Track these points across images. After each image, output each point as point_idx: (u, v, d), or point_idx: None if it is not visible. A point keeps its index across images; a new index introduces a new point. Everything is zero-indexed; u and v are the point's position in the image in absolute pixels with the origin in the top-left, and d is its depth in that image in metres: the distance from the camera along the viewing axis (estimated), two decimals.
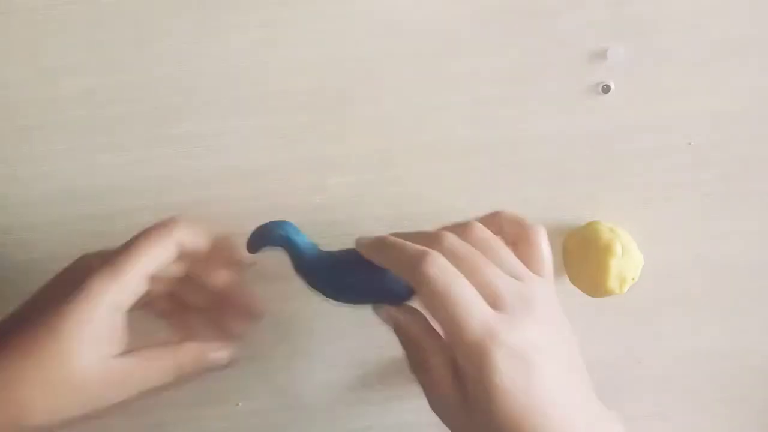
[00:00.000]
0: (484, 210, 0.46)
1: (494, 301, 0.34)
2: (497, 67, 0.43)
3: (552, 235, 0.47)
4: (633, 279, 0.45)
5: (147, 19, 0.42)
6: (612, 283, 0.44)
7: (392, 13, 0.42)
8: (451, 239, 0.36)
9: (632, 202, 0.46)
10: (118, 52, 0.43)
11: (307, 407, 0.53)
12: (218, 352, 0.38)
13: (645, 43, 0.43)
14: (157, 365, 0.36)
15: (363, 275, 0.39)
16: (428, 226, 0.46)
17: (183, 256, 0.39)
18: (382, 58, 0.43)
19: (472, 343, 0.32)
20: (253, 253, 0.41)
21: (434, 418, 0.53)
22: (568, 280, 0.47)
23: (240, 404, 0.53)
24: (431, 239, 0.36)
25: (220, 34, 0.42)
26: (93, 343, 0.33)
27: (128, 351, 0.35)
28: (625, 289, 0.45)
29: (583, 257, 0.45)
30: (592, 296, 0.46)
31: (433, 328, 0.36)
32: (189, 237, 0.38)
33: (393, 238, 0.37)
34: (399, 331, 0.38)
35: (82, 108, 0.44)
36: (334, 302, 0.40)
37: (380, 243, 0.37)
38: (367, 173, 0.45)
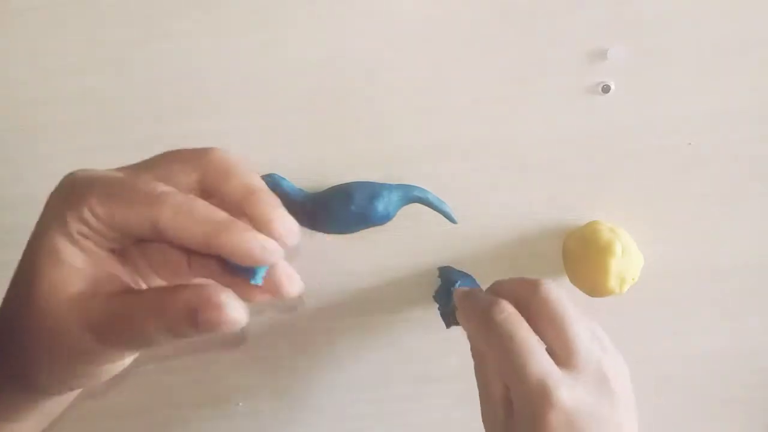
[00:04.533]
0: (484, 210, 0.46)
1: (567, 359, 0.35)
2: (497, 67, 0.43)
3: (552, 235, 0.47)
4: (633, 279, 0.45)
5: (147, 19, 0.42)
6: (612, 283, 0.44)
7: (392, 14, 0.42)
8: (547, 288, 0.37)
9: (632, 202, 0.46)
10: (118, 52, 0.43)
11: (307, 407, 0.53)
12: (225, 308, 0.27)
13: (645, 43, 0.43)
14: (145, 313, 0.27)
15: (338, 208, 0.43)
16: (428, 226, 0.46)
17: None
18: (383, 59, 0.43)
19: (528, 390, 0.33)
20: None
21: (435, 419, 0.53)
22: (568, 280, 0.47)
23: (240, 404, 0.53)
24: (529, 287, 0.37)
25: (220, 34, 0.42)
26: (70, 272, 0.28)
27: (121, 292, 0.28)
28: (625, 289, 0.45)
29: (583, 257, 0.45)
30: (592, 296, 0.46)
31: None
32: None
33: (474, 292, 0.41)
34: (472, 339, 0.40)
35: (82, 108, 0.44)
36: (327, 234, 0.45)
37: (465, 294, 0.41)
38: (367, 173, 0.45)
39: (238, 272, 0.29)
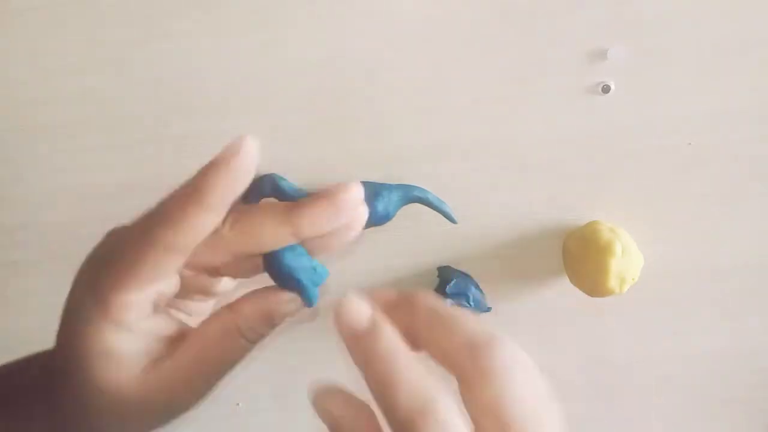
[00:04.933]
0: (484, 210, 0.46)
1: None
2: (497, 67, 0.43)
3: (552, 235, 0.47)
4: (633, 279, 0.45)
5: (147, 19, 0.42)
6: (612, 283, 0.44)
7: (393, 14, 0.42)
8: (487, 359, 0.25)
9: (632, 202, 0.46)
10: (118, 52, 0.43)
11: (307, 407, 0.53)
12: (294, 302, 0.29)
13: (645, 43, 0.43)
14: (220, 346, 0.28)
15: None
16: (428, 226, 0.46)
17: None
18: (383, 59, 0.43)
19: None
20: None
21: None
22: (568, 280, 0.47)
23: (240, 404, 0.53)
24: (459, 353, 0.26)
25: (220, 34, 0.42)
26: (126, 358, 0.27)
27: (178, 342, 0.28)
28: (625, 289, 0.45)
29: (583, 257, 0.45)
30: (592, 296, 0.46)
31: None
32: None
33: (390, 345, 0.27)
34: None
35: (82, 108, 0.44)
36: None
37: (372, 342, 0.27)
38: (367, 173, 0.45)
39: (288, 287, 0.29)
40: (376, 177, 0.45)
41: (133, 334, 0.27)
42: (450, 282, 0.45)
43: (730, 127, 0.45)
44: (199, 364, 0.28)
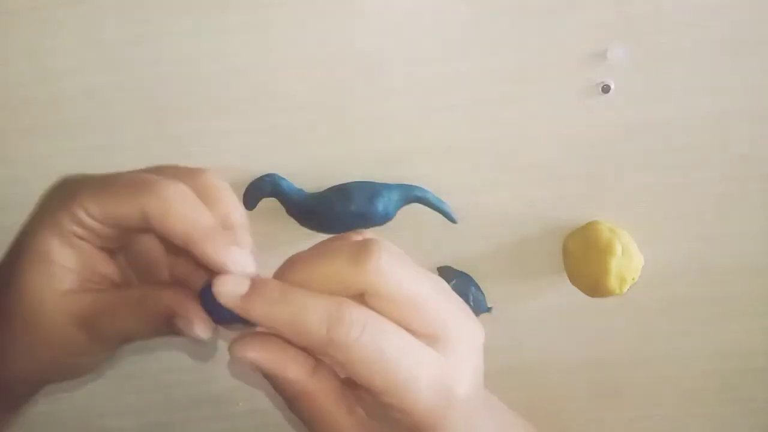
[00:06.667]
0: (484, 210, 0.46)
1: (437, 338, 0.29)
2: (497, 67, 0.43)
3: (552, 235, 0.47)
4: (633, 279, 0.45)
5: (147, 19, 0.42)
6: (612, 283, 0.44)
7: (392, 14, 0.42)
8: (374, 266, 0.27)
9: (632, 202, 0.46)
10: (118, 52, 0.43)
11: None
12: (191, 323, 0.28)
13: (645, 43, 0.43)
14: (129, 309, 0.29)
15: (338, 208, 0.43)
16: (428, 227, 0.46)
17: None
18: (383, 59, 0.43)
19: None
20: (251, 209, 0.44)
21: None
22: (568, 280, 0.47)
23: (240, 404, 0.53)
24: (345, 272, 0.27)
25: (220, 34, 0.42)
26: (59, 272, 0.29)
27: (96, 288, 0.29)
28: (625, 289, 0.45)
29: (583, 257, 0.45)
30: (592, 296, 0.46)
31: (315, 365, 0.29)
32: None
33: (275, 287, 0.28)
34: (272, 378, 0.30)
35: (82, 108, 0.44)
36: (327, 234, 0.45)
37: (257, 296, 0.28)
38: (367, 173, 0.45)
39: (208, 307, 0.29)
40: (376, 177, 0.45)
41: (73, 251, 0.29)
42: (450, 282, 0.45)
43: (730, 127, 0.45)
44: (101, 315, 0.29)
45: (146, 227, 0.28)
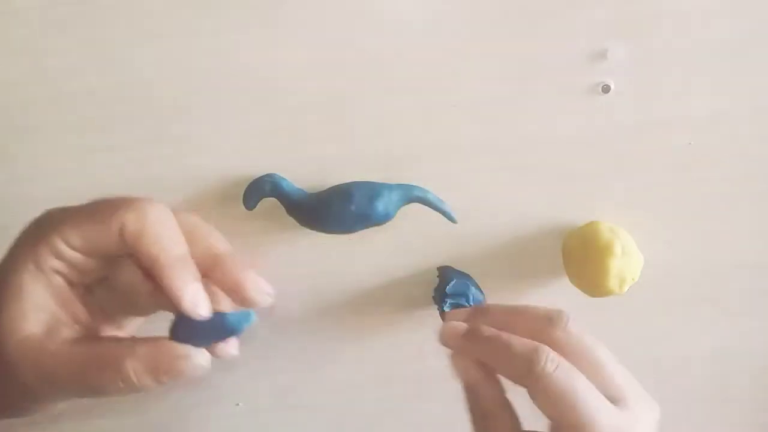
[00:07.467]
0: (484, 210, 0.46)
1: (620, 400, 0.32)
2: (497, 67, 0.43)
3: (552, 235, 0.47)
4: (633, 279, 0.45)
5: (147, 19, 0.42)
6: (612, 283, 0.44)
7: (393, 14, 0.42)
8: (563, 325, 0.34)
9: (632, 202, 0.46)
10: (118, 52, 0.43)
11: (307, 407, 0.53)
12: (187, 359, 0.29)
13: (645, 43, 0.43)
14: (99, 367, 0.28)
15: (338, 208, 0.43)
16: (428, 226, 0.46)
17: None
18: (383, 59, 0.43)
19: None
20: (251, 208, 0.44)
21: (435, 419, 0.53)
22: (568, 280, 0.47)
23: (240, 404, 0.53)
24: (539, 326, 0.34)
25: (220, 34, 0.42)
26: (30, 313, 0.28)
27: (80, 338, 0.29)
28: (625, 289, 0.45)
29: (583, 257, 0.45)
30: (592, 296, 0.46)
31: (506, 400, 0.35)
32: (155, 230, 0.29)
33: (489, 331, 0.34)
34: (469, 390, 0.35)
35: (82, 108, 0.44)
36: (327, 234, 0.45)
37: (474, 337, 0.34)
38: (367, 174, 0.45)
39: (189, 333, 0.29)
40: (376, 177, 0.45)
41: (47, 289, 0.28)
42: (450, 282, 0.45)
43: (730, 127, 0.45)
44: (70, 372, 0.28)
45: (123, 248, 0.28)
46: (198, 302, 0.28)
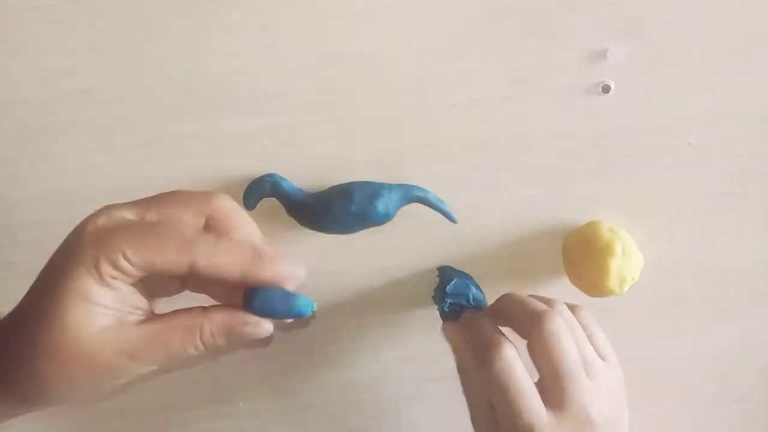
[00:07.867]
0: (484, 210, 0.46)
1: (556, 402, 0.38)
2: (497, 67, 0.43)
3: (552, 235, 0.47)
4: (633, 279, 0.45)
5: (147, 19, 0.42)
6: (612, 283, 0.44)
7: (392, 14, 0.42)
8: (563, 308, 0.41)
9: (632, 202, 0.46)
10: (118, 52, 0.43)
11: (307, 407, 0.53)
12: (258, 325, 0.32)
13: (645, 43, 0.43)
14: (181, 335, 0.31)
15: (338, 208, 0.43)
16: (428, 226, 0.46)
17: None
18: (383, 59, 0.43)
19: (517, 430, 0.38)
20: (251, 208, 0.44)
21: (435, 420, 0.53)
22: (568, 280, 0.47)
23: (240, 404, 0.53)
24: (531, 317, 0.40)
25: (220, 34, 0.42)
26: (99, 310, 0.30)
27: (146, 318, 0.31)
28: (625, 289, 0.45)
29: (583, 257, 0.45)
30: (592, 296, 0.46)
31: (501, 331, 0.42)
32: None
33: (516, 295, 0.43)
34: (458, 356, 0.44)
35: (82, 108, 0.44)
36: (327, 234, 0.45)
37: (505, 297, 0.43)
38: (367, 174, 0.45)
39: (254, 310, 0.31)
40: (376, 177, 0.45)
41: (111, 290, 0.30)
42: (450, 282, 0.45)
43: (730, 127, 0.45)
44: (151, 344, 0.30)
45: (191, 276, 0.30)
46: (298, 272, 0.31)
